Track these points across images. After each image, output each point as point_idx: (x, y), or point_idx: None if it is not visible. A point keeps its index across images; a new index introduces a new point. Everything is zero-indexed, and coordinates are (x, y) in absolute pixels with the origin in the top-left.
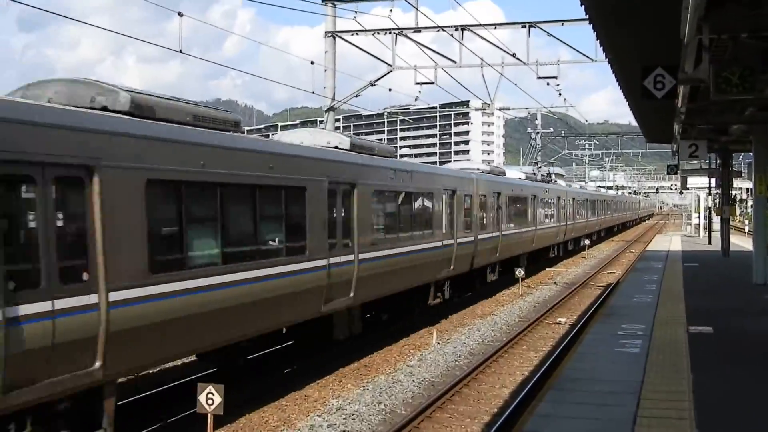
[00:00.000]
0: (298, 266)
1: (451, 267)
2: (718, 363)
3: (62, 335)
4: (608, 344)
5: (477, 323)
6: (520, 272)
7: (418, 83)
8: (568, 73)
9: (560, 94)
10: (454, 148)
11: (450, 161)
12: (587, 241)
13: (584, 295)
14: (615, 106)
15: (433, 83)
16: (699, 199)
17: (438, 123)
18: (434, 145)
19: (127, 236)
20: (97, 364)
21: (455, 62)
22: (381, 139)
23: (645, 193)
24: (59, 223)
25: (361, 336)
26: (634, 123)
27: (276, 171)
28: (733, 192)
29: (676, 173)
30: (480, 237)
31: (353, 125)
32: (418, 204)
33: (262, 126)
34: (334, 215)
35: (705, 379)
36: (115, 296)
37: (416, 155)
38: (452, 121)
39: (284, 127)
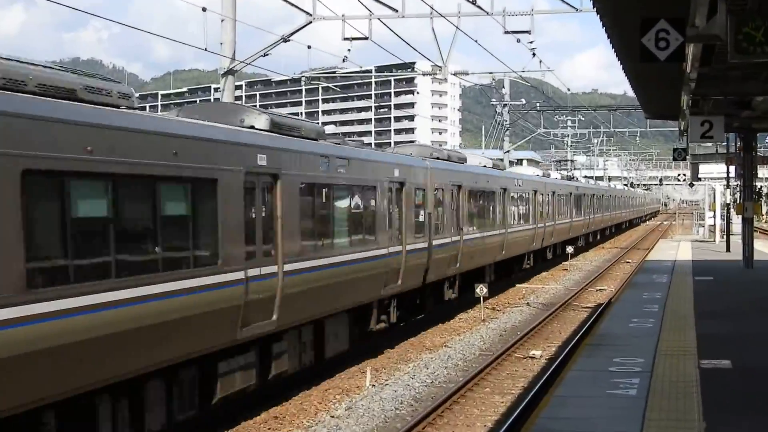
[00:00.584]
0: (207, 280)
1: (399, 281)
2: (738, 408)
3: None
4: (596, 385)
5: (426, 358)
6: (481, 290)
7: (346, 39)
8: (545, 27)
9: (534, 55)
10: (394, 125)
11: (390, 143)
12: (571, 249)
13: (566, 319)
14: (606, 72)
15: (366, 39)
16: (714, 194)
17: (373, 92)
18: (368, 121)
19: None
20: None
21: (396, 11)
22: (297, 113)
23: (645, 185)
24: None
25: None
26: (631, 93)
27: (182, 158)
28: (758, 184)
29: (684, 159)
30: (436, 243)
31: (260, 94)
32: (357, 200)
33: (137, 95)
34: (253, 215)
35: (722, 430)
36: None
37: (344, 135)
38: (392, 90)
39: (166, 97)
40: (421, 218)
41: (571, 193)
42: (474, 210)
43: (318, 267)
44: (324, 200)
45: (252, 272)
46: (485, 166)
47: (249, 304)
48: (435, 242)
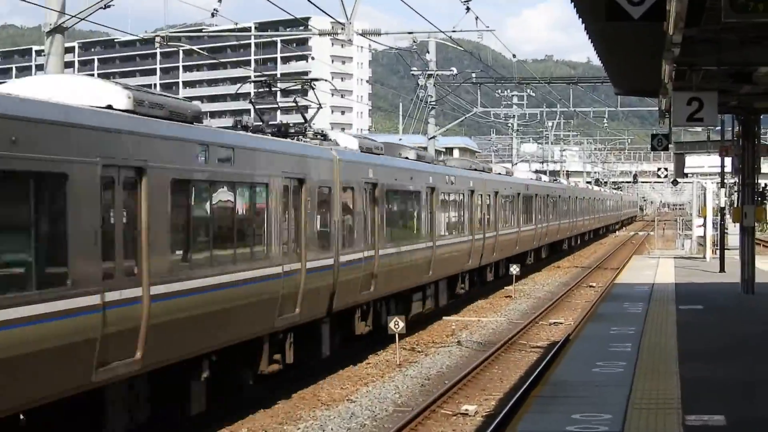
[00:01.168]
0: (54, 306)
1: (297, 310)
2: None
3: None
4: None
5: (322, 416)
6: (396, 324)
7: None
8: None
9: (469, 9)
10: (281, 100)
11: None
12: (516, 269)
13: (509, 363)
14: (563, 34)
15: None
16: (704, 194)
17: (254, 57)
18: (245, 96)
19: None
20: None
21: None
22: (150, 85)
23: (615, 183)
24: None
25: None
26: (596, 62)
27: (22, 147)
28: (763, 182)
29: (665, 149)
30: (344, 259)
31: (99, 59)
32: (243, 202)
33: None
34: (112, 221)
35: None
36: None
37: (213, 114)
38: (278, 54)
39: None
40: (327, 226)
41: (519, 194)
42: (393, 216)
43: (194, 290)
44: (201, 202)
45: (111, 297)
46: (406, 158)
47: (108, 339)
48: (344, 259)
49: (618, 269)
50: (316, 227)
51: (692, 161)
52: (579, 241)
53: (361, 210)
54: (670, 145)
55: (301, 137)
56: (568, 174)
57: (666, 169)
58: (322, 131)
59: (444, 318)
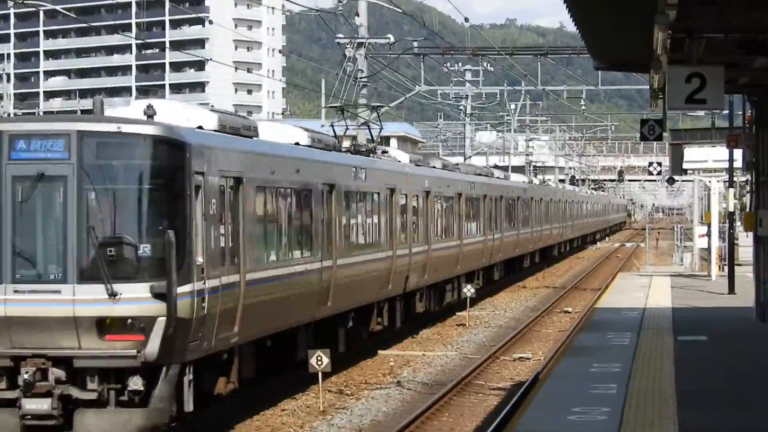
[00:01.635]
0: (305, 266)
1: (390, 286)
2: None
3: None
4: None
5: None
6: (319, 359)
7: None
8: None
9: None
10: (171, 76)
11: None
12: (470, 290)
13: (463, 409)
14: None
15: None
16: (708, 196)
17: (135, 20)
18: (125, 69)
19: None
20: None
21: None
22: (1, 56)
23: (595, 181)
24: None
25: None
26: (571, 28)
27: (277, 174)
28: None
29: (659, 139)
30: (414, 250)
31: None
32: (369, 205)
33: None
34: (319, 217)
35: None
36: None
37: (84, 93)
38: (166, 17)
39: None
40: (405, 225)
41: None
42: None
43: (358, 263)
44: (354, 205)
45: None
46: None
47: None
48: (414, 250)
49: (600, 290)
50: (398, 224)
51: (693, 154)
52: (545, 258)
53: (421, 212)
54: (664, 134)
55: (371, 154)
56: (536, 170)
57: (659, 164)
58: (384, 149)
59: (380, 352)
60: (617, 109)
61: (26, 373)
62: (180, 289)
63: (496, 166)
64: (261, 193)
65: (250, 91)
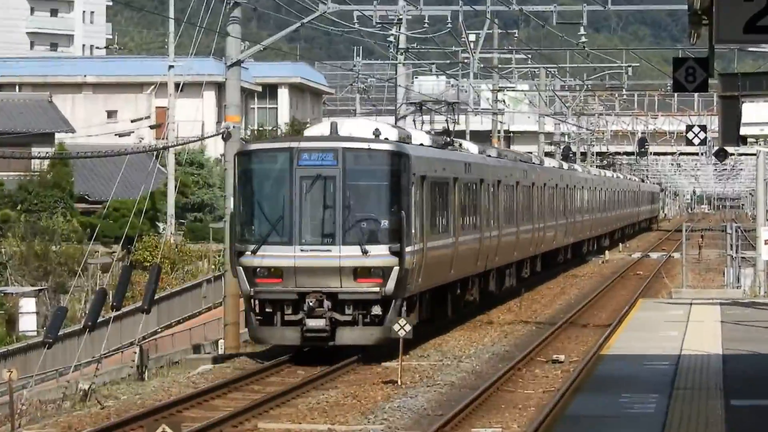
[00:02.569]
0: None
1: (495, 258)
2: None
3: None
4: None
5: None
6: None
7: None
8: None
9: None
10: None
11: None
12: (404, 327)
13: None
14: None
15: None
16: None
17: None
18: None
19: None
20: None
21: None
22: None
23: (601, 156)
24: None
25: None
26: None
27: (473, 173)
28: None
29: (702, 89)
30: (504, 232)
31: None
32: (490, 195)
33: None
34: (483, 204)
35: None
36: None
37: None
38: None
39: None
40: (495, 210)
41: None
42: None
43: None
44: (493, 195)
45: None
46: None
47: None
48: (503, 232)
49: (609, 327)
50: (489, 210)
51: (756, 112)
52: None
53: (495, 200)
54: (711, 81)
55: (449, 147)
56: (510, 136)
57: (703, 129)
58: (460, 141)
59: (259, 426)
60: (637, 43)
61: (310, 302)
62: (406, 249)
63: (446, 132)
64: (434, 185)
65: (55, 12)
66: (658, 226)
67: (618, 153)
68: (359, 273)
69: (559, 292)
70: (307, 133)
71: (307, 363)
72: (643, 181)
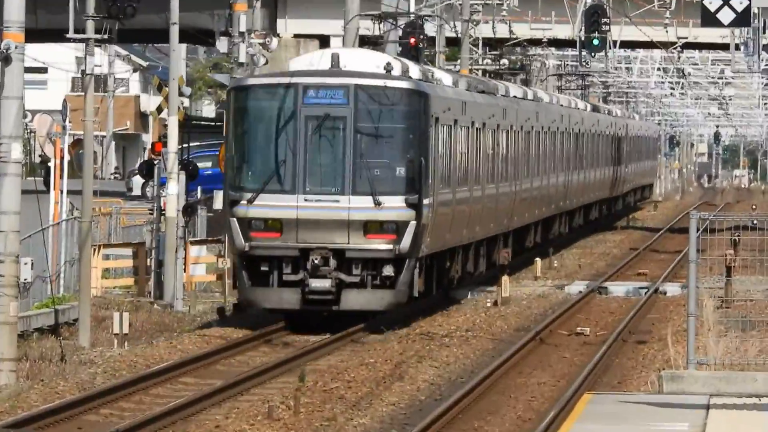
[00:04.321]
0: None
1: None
2: None
3: None
4: None
5: None
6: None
7: None
8: None
9: None
10: None
11: None
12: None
13: None
14: None
15: None
16: None
17: None
18: None
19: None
20: None
21: None
22: None
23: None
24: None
25: None
26: None
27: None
28: None
29: None
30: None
31: None
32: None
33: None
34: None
35: None
36: None
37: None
38: None
39: None
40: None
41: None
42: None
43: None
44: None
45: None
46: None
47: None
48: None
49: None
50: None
51: None
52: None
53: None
54: None
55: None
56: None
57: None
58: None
59: None
60: None
61: (314, 260)
62: (424, 201)
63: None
64: (457, 130)
65: None
66: (646, 206)
67: (594, 72)
68: (370, 228)
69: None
70: (294, 65)
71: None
72: (629, 114)
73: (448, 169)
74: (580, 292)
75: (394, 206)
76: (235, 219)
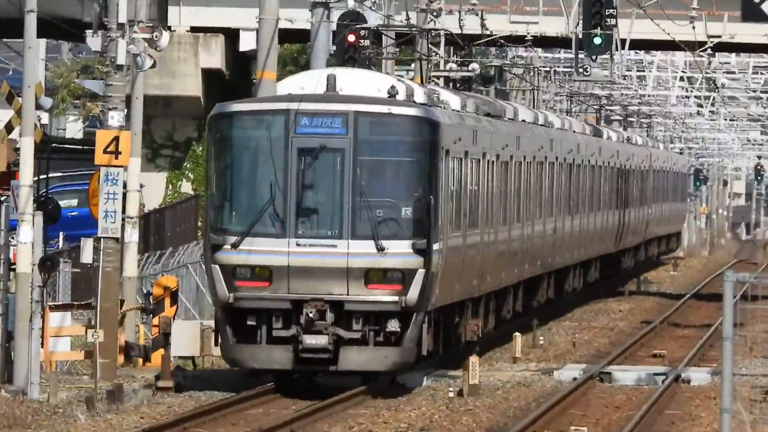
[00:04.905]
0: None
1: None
2: None
3: None
4: None
5: None
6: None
7: None
8: None
9: None
10: None
11: None
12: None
13: None
14: None
15: None
16: None
17: None
18: None
19: None
20: None
21: None
22: None
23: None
24: None
25: None
26: None
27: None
28: None
29: None
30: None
31: None
32: None
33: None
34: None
35: None
36: None
37: None
38: None
39: None
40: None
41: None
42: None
43: None
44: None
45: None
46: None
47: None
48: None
49: None
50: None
51: None
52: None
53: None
54: None
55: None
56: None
57: None
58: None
59: None
60: None
61: (309, 313)
62: (433, 246)
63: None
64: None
65: None
66: (672, 264)
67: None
68: (372, 276)
69: None
70: (283, 88)
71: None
72: (653, 144)
73: (463, 208)
74: (575, 379)
75: (400, 252)
76: (217, 266)
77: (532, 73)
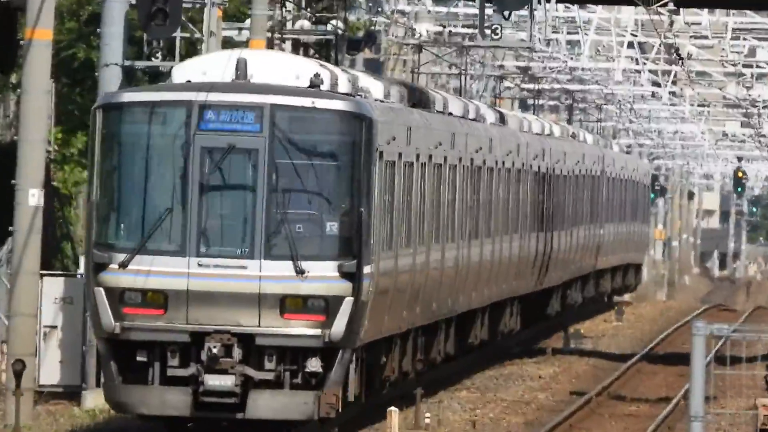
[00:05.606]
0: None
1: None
2: None
3: None
4: None
5: None
6: None
7: None
8: None
9: None
10: None
11: None
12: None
13: None
14: None
15: None
16: None
17: None
18: None
19: None
20: None
21: None
22: None
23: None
24: None
25: None
26: None
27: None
28: None
29: None
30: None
31: None
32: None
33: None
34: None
35: None
36: None
37: None
38: None
39: None
40: None
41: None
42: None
43: None
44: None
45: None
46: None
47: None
48: None
49: None
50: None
51: None
52: None
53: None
54: None
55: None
56: None
57: None
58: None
59: None
60: None
61: (212, 348)
62: (364, 269)
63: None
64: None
65: None
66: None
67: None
68: (289, 305)
69: None
70: (181, 74)
71: None
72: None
73: (398, 221)
74: None
75: (324, 275)
76: (101, 289)
77: (416, 35)
